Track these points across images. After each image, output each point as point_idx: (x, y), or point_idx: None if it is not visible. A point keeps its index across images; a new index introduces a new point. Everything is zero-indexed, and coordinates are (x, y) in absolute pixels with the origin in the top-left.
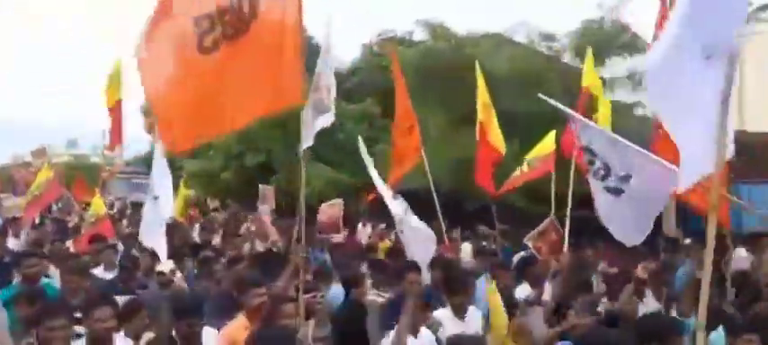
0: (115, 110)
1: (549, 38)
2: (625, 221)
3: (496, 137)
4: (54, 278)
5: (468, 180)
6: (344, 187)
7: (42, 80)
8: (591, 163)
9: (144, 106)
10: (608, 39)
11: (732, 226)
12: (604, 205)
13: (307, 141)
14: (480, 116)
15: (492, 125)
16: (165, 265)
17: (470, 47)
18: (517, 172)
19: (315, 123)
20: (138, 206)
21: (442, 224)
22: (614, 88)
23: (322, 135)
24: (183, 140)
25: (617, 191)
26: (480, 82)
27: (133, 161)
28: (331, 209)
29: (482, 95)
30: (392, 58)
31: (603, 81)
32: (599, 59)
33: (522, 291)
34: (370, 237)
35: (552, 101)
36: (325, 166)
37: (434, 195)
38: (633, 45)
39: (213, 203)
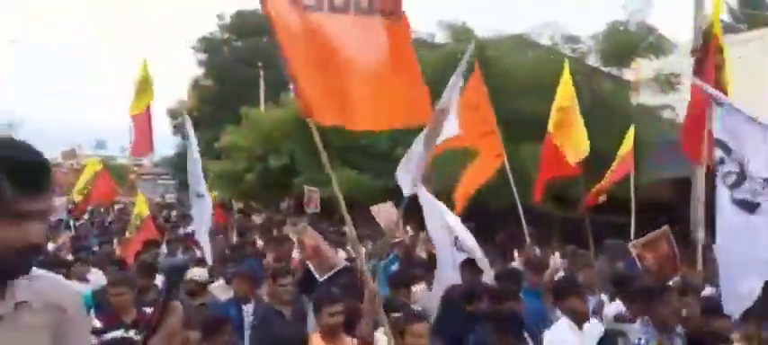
0: (144, 115)
1: (572, 40)
2: (753, 253)
3: (571, 146)
4: (91, 282)
5: (492, 182)
6: (368, 190)
7: (71, 82)
8: (721, 162)
9: (170, 108)
10: (633, 41)
11: None
12: (727, 229)
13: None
14: (553, 119)
15: (567, 132)
16: (196, 272)
17: (493, 49)
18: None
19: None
20: (164, 206)
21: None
22: (640, 90)
23: (345, 138)
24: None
25: (751, 206)
26: (564, 83)
27: (160, 162)
28: (387, 211)
29: (562, 97)
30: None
31: (628, 83)
32: (624, 62)
33: (615, 308)
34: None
35: (704, 85)
36: (350, 170)
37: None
38: (659, 46)
39: (237, 205)
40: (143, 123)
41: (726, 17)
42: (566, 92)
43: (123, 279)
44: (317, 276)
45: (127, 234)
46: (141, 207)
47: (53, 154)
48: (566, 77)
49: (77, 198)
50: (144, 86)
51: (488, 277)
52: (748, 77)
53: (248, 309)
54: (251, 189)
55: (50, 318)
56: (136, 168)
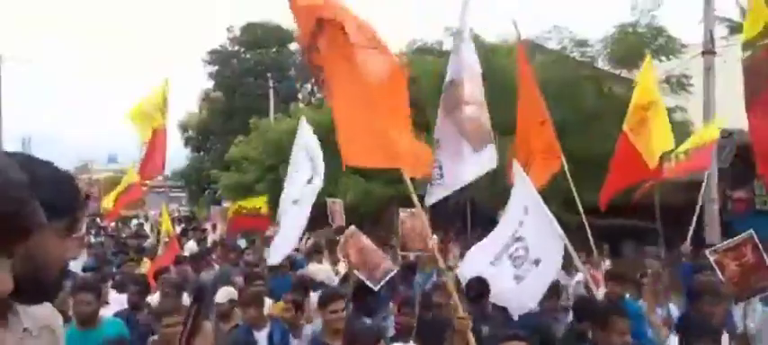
0: (160, 134)
1: (581, 44)
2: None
3: (649, 149)
4: (111, 307)
5: (500, 186)
6: (377, 197)
7: (83, 96)
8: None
9: (181, 121)
10: (643, 43)
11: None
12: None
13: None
14: (631, 119)
15: (647, 133)
16: (224, 294)
17: (502, 55)
18: (671, 164)
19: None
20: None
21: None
22: None
23: None
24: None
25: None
26: (644, 78)
27: (171, 175)
28: (413, 219)
29: (642, 94)
30: (519, 54)
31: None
32: (634, 64)
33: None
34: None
35: None
36: (359, 177)
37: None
38: (669, 48)
39: None
40: (158, 143)
41: (736, 16)
42: (646, 88)
43: (176, 309)
44: (371, 285)
45: (159, 252)
46: (167, 225)
47: (66, 168)
48: (646, 71)
49: (109, 204)
50: (162, 106)
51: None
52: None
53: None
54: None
55: (46, 342)
56: (147, 181)
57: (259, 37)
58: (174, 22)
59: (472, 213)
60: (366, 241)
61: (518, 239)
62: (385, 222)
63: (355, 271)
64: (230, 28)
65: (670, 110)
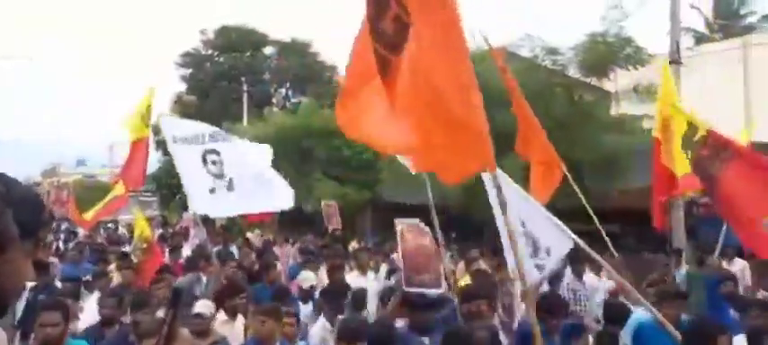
0: (142, 145)
1: (553, 52)
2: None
3: (671, 159)
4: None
5: (476, 192)
6: (351, 202)
7: (50, 100)
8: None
9: (152, 124)
10: (612, 52)
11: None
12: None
13: None
14: (658, 129)
15: (671, 143)
16: (203, 306)
17: (479, 62)
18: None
19: None
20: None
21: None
22: (620, 101)
23: (329, 150)
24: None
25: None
26: (666, 86)
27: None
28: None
29: (665, 101)
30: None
31: (608, 94)
32: (603, 73)
33: None
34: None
35: None
36: (333, 181)
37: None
38: (637, 57)
39: (220, 221)
40: (140, 154)
41: (701, 27)
42: (668, 96)
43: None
44: (427, 292)
45: (134, 260)
46: (144, 230)
47: (32, 173)
48: (666, 79)
49: (89, 217)
50: (145, 116)
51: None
52: (725, 86)
53: None
54: None
55: None
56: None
57: (233, 40)
58: (144, 25)
59: (448, 220)
60: (426, 239)
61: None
62: (359, 227)
63: (410, 277)
64: (204, 31)
65: (638, 118)
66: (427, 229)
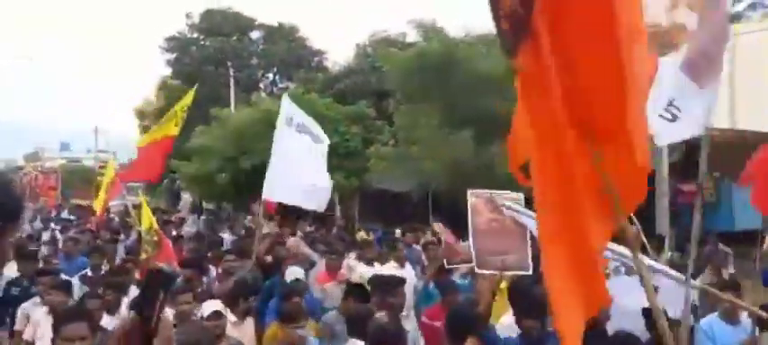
0: (165, 142)
1: None
2: None
3: None
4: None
5: (463, 179)
6: (340, 190)
7: (32, 82)
8: None
9: (136, 108)
10: None
11: (724, 225)
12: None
13: None
14: None
15: None
16: (211, 306)
17: (465, 48)
18: None
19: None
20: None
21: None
22: None
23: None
24: None
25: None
26: None
27: (127, 164)
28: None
29: None
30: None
31: None
32: None
33: None
34: None
35: None
36: None
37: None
38: None
39: (207, 206)
40: (160, 150)
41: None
42: None
43: None
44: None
45: (143, 255)
46: (150, 220)
47: (14, 156)
48: None
49: (98, 205)
50: (180, 116)
51: None
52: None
53: None
54: (223, 190)
55: None
56: (102, 171)
57: (219, 24)
58: (131, 7)
59: (433, 203)
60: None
61: None
62: (349, 214)
63: (485, 259)
64: (189, 14)
65: None
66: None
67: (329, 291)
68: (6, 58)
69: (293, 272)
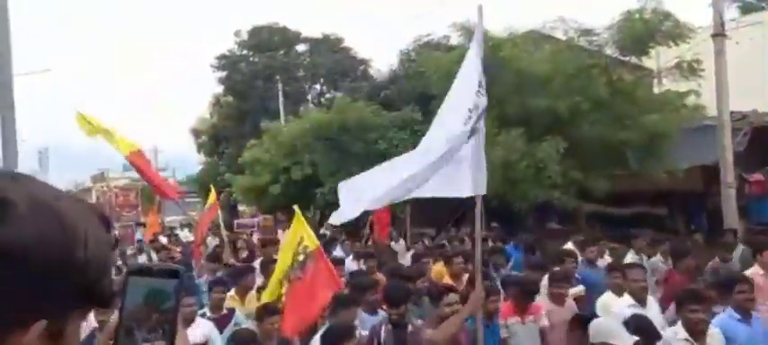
0: None
1: (587, 33)
2: None
3: None
4: None
5: (513, 181)
6: None
7: (98, 107)
8: None
9: (193, 127)
10: (650, 29)
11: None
12: None
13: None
14: None
15: None
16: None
17: (509, 47)
18: None
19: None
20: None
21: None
22: (662, 78)
23: (364, 144)
24: None
25: None
26: None
27: (185, 181)
28: None
29: None
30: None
31: (650, 72)
32: (643, 50)
33: None
34: None
35: None
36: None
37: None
38: (677, 32)
39: (264, 217)
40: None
41: None
42: None
43: None
44: None
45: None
46: (310, 240)
47: (83, 178)
48: None
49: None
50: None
51: None
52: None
53: None
54: (276, 201)
55: None
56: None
57: (266, 40)
58: (182, 30)
59: (485, 205)
60: None
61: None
62: (400, 224)
63: None
64: (238, 32)
65: (683, 95)
66: None
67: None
68: (43, 88)
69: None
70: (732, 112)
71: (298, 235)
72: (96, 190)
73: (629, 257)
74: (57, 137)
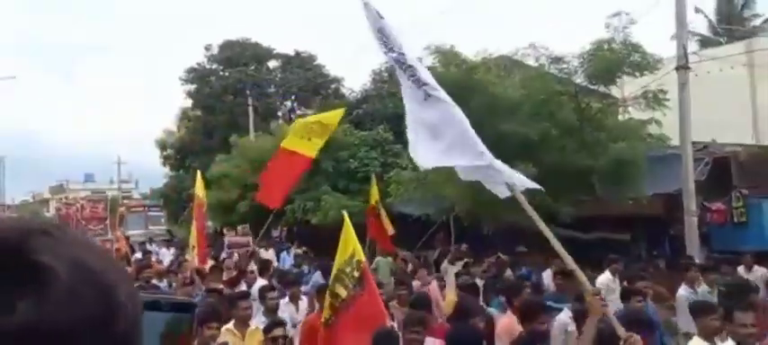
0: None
1: (558, 60)
2: None
3: None
4: None
5: (483, 203)
6: (359, 214)
7: (59, 116)
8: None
9: (159, 139)
10: (619, 60)
11: (755, 243)
12: None
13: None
14: None
15: None
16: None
17: (482, 71)
18: None
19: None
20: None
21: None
22: (627, 107)
23: (335, 162)
24: None
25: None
26: None
27: (151, 194)
28: None
29: None
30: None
31: (616, 100)
32: (610, 79)
33: None
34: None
35: None
36: (339, 194)
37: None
38: (644, 64)
39: (229, 234)
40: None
41: (705, 31)
42: None
43: None
44: None
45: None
46: (361, 254)
47: (40, 189)
48: None
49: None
50: (321, 135)
51: None
52: (730, 89)
53: None
54: (243, 217)
55: None
56: (125, 201)
57: (237, 54)
58: (151, 40)
59: (455, 227)
60: None
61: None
62: (364, 240)
63: None
64: (208, 46)
65: (645, 123)
66: None
67: None
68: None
69: None
70: (693, 142)
71: (350, 248)
72: (55, 201)
73: (603, 278)
74: (13, 146)
